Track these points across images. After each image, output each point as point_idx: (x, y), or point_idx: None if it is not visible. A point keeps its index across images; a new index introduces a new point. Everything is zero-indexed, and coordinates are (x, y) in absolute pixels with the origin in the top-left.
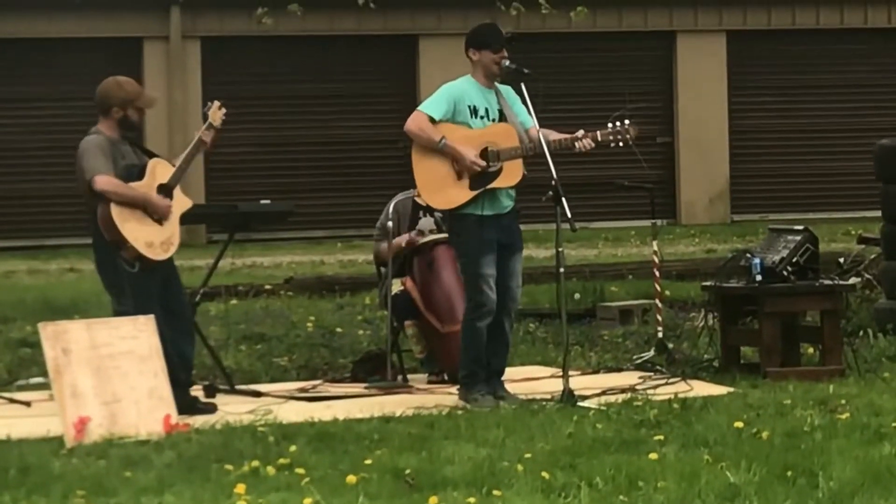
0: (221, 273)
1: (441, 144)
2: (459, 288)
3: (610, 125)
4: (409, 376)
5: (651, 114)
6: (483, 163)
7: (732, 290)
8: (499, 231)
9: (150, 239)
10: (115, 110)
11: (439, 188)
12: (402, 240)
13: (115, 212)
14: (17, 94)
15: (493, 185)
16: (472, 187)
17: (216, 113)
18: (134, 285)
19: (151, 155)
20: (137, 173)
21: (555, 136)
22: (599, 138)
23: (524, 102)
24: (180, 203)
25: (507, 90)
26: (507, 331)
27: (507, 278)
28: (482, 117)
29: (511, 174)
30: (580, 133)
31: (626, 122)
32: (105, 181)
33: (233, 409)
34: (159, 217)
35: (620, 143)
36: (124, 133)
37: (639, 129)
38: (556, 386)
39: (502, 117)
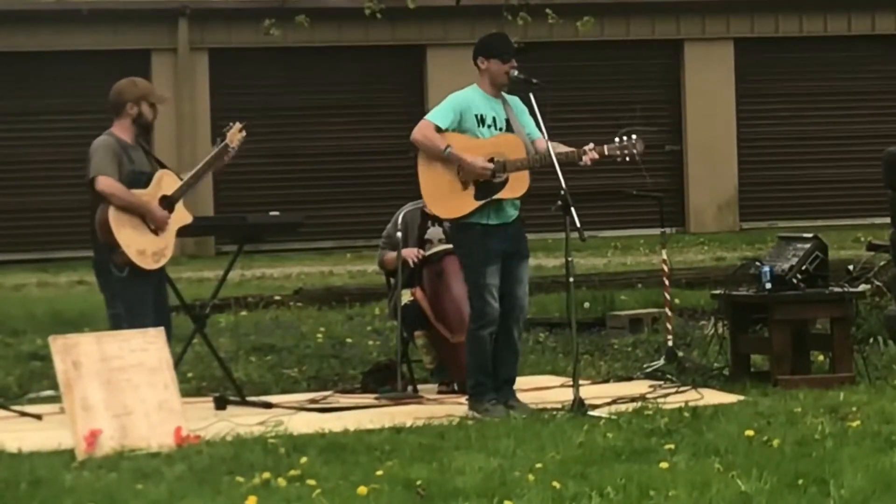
0: (231, 285)
1: (446, 153)
2: None
3: (617, 140)
4: (420, 387)
5: (659, 122)
6: (491, 166)
7: (742, 298)
8: (504, 241)
9: (143, 247)
10: (130, 106)
11: (444, 197)
12: (412, 253)
13: (113, 216)
14: (25, 107)
15: (499, 195)
16: (477, 197)
17: (235, 135)
18: (124, 290)
19: (162, 166)
20: (144, 181)
21: (562, 148)
22: (606, 152)
23: (532, 113)
24: (180, 217)
25: (514, 101)
26: (515, 339)
27: (513, 286)
28: (489, 126)
29: (517, 185)
30: (588, 146)
31: (634, 137)
32: (107, 182)
33: (243, 420)
34: (156, 228)
35: (627, 158)
36: (138, 137)
37: (646, 143)
38: (567, 395)
39: (509, 127)
